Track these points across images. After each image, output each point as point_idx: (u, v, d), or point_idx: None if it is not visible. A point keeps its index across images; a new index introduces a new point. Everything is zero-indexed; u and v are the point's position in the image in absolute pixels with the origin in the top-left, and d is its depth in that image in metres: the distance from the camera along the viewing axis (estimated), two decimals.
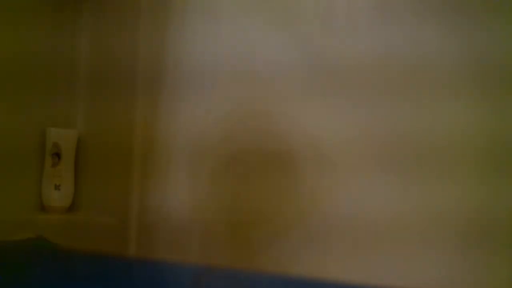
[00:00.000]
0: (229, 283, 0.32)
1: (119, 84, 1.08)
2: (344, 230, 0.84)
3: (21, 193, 1.04)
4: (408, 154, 0.80)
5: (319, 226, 0.87)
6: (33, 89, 1.05)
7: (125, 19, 1.08)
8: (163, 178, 1.03)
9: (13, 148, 1.01)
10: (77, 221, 1.08)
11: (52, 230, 1.03)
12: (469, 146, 0.76)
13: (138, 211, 1.06)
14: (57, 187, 1.06)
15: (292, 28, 0.90)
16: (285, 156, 0.90)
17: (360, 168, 0.83)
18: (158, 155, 1.04)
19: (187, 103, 1.00)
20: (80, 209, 1.13)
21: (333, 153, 0.86)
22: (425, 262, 0.78)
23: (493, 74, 0.74)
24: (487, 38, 0.74)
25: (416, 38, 0.79)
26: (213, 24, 0.98)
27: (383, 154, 0.82)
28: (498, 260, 0.73)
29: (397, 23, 0.81)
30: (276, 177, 0.91)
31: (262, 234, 0.91)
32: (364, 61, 0.84)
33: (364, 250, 0.83)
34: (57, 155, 1.06)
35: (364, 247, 0.83)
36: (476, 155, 0.75)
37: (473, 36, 0.75)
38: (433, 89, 0.78)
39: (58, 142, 1.06)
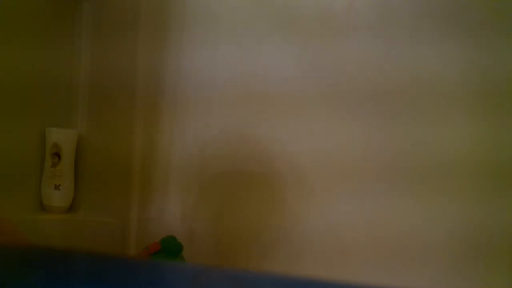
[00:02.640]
0: (229, 283, 0.32)
1: (118, 98, 1.08)
2: (331, 249, 0.84)
3: (21, 193, 1.04)
4: (405, 171, 0.79)
5: (302, 244, 0.86)
6: (33, 102, 1.04)
7: (125, 33, 1.08)
8: (161, 180, 1.04)
9: (13, 148, 1.01)
10: (77, 221, 1.08)
11: (52, 230, 1.03)
12: (467, 164, 0.74)
13: (138, 211, 1.06)
14: (57, 187, 1.06)
15: (291, 44, 0.89)
16: (277, 174, 0.89)
17: (356, 186, 0.83)
18: (157, 158, 1.04)
19: (184, 116, 1.00)
20: (80, 209, 1.13)
21: (325, 171, 0.85)
22: (420, 279, 0.77)
23: (495, 91, 0.73)
24: (490, 54, 0.73)
25: (417, 54, 0.78)
26: (212, 39, 0.97)
27: (379, 171, 0.81)
28: (495, 277, 0.72)
29: (398, 38, 0.80)
30: (262, 194, 0.91)
31: (246, 246, 0.92)
32: (362, 79, 0.83)
33: (355, 268, 0.82)
34: (57, 155, 1.06)
35: (356, 265, 0.82)
36: (476, 173, 0.73)
37: (475, 53, 0.74)
38: (432, 105, 0.77)
39: (58, 142, 1.06)
